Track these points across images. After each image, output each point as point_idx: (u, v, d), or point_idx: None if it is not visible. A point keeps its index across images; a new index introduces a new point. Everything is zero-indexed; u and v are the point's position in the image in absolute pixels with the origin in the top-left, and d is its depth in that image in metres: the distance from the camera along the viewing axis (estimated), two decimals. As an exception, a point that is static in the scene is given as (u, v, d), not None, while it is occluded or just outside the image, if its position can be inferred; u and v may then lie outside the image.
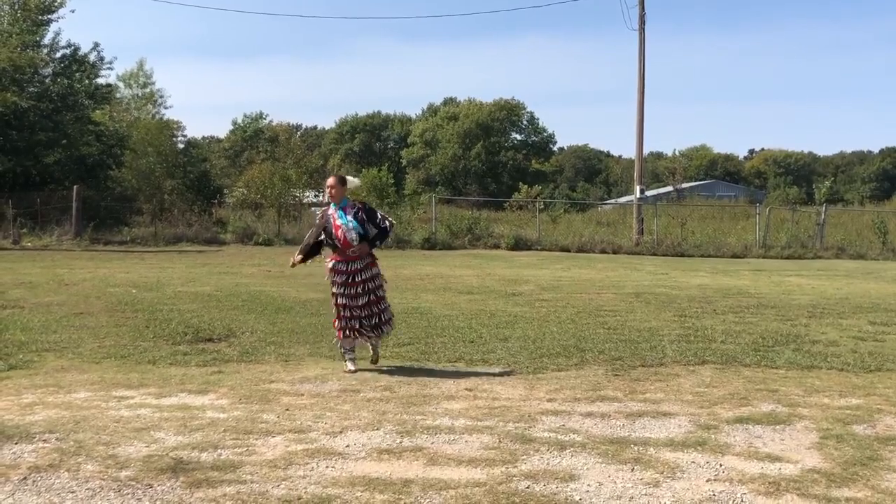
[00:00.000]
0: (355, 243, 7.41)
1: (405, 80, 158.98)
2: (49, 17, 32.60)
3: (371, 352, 7.62)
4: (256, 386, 6.71)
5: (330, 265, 7.53)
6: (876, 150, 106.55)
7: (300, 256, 7.74)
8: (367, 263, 7.50)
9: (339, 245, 7.44)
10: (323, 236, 7.57)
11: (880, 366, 7.87)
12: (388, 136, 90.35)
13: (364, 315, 7.42)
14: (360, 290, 7.43)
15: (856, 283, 17.31)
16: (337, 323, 7.54)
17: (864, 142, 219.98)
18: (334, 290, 7.50)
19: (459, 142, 74.46)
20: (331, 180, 7.67)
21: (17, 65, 29.47)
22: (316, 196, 36.38)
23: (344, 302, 7.42)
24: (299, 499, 4.16)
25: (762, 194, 64.55)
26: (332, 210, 7.57)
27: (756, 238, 28.93)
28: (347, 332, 7.46)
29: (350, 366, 7.40)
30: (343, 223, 7.41)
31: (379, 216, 7.63)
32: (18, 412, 5.76)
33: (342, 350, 7.57)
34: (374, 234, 7.52)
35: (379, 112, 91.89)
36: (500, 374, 7.32)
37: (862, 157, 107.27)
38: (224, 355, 7.99)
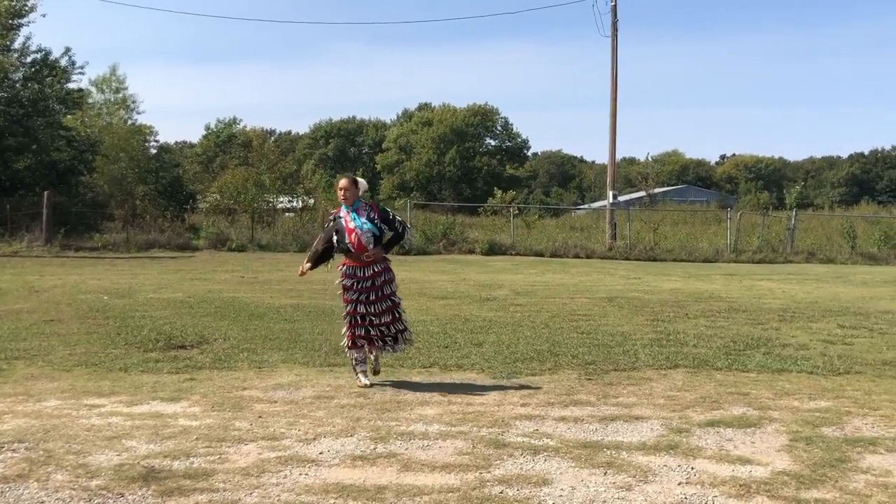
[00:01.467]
0: (370, 247, 7.01)
1: (380, 86, 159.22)
2: (20, 21, 32.20)
3: (373, 362, 7.22)
4: (229, 393, 6.68)
5: (344, 271, 7.12)
6: (845, 156, 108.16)
7: (309, 264, 7.33)
8: (383, 268, 7.13)
9: (352, 249, 6.99)
10: (335, 240, 7.09)
11: (849, 369, 7.97)
12: (363, 142, 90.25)
13: (382, 324, 7.03)
14: (376, 295, 7.03)
15: (825, 286, 17.53)
16: (346, 331, 7.11)
17: (834, 147, 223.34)
18: (348, 296, 7.06)
19: (434, 147, 74.54)
20: (343, 182, 7.17)
21: (-14, 69, 29.14)
22: (290, 201, 36.24)
23: (362, 310, 7.00)
24: (272, 506, 4.15)
25: (733, 199, 65.07)
26: (343, 212, 7.12)
27: (727, 242, 29.19)
28: (359, 342, 7.07)
29: (363, 379, 7.00)
30: (357, 226, 6.98)
31: (392, 217, 7.27)
32: (-13, 421, 5.68)
33: (353, 362, 7.16)
34: (388, 237, 7.20)
35: (353, 117, 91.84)
36: (474, 380, 7.33)
37: (831, 163, 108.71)
38: (196, 362, 7.94)
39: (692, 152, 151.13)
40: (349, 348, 7.17)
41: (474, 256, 27.43)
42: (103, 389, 6.77)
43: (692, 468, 4.81)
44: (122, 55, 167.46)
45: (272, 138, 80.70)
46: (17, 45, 32.59)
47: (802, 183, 60.99)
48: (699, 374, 7.63)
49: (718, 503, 4.28)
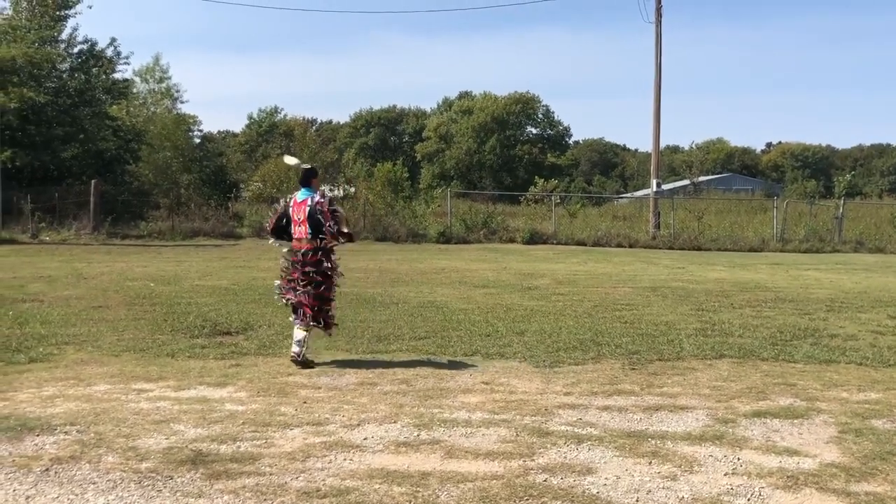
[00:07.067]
0: (309, 235, 7.45)
1: (420, 74, 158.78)
2: (66, 12, 32.81)
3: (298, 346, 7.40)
4: (274, 379, 6.75)
5: (288, 254, 7.66)
6: (895, 143, 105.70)
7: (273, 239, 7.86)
8: (318, 257, 7.47)
9: (294, 236, 7.54)
10: (284, 222, 7.64)
11: (899, 360, 7.81)
12: (403, 131, 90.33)
13: (304, 302, 7.45)
14: (303, 277, 7.45)
15: (874, 276, 17.18)
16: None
17: (883, 135, 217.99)
18: (289, 274, 7.60)
19: (474, 136, 74.33)
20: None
21: (35, 61, 29.62)
22: (331, 190, 36.46)
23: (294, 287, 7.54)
24: (318, 491, 4.19)
25: (779, 188, 64.06)
26: (299, 199, 7.56)
27: (773, 232, 28.75)
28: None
29: (295, 348, 7.41)
30: (305, 216, 7.45)
31: (332, 211, 7.52)
32: (39, 404, 5.82)
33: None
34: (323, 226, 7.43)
35: (394, 106, 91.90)
36: (517, 368, 7.33)
37: (881, 150, 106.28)
38: (242, 348, 8.04)
39: (737, 140, 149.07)
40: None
41: (515, 245, 27.34)
42: (151, 374, 6.89)
43: (738, 459, 4.76)
44: (163, 44, 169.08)
45: (314, 127, 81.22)
46: (64, 35, 33.25)
47: (853, 171, 59.70)
48: (745, 365, 7.54)
49: (765, 494, 4.23)
